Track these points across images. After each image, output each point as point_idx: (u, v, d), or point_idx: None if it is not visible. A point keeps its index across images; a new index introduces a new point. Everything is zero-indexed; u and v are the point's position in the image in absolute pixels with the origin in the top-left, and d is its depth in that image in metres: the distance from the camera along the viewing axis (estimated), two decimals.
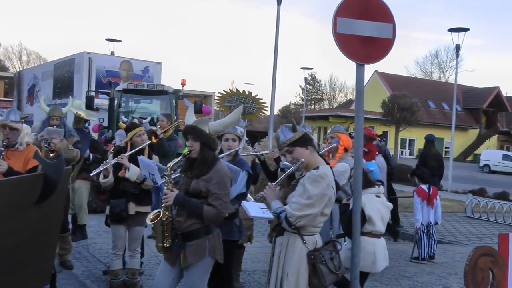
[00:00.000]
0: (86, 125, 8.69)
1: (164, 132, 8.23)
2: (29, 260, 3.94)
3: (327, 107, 67.82)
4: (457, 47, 20.15)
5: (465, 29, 19.61)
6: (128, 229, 5.35)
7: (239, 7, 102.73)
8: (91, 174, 5.35)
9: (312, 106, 70.88)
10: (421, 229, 7.66)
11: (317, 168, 3.55)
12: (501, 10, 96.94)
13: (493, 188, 19.03)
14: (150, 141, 5.59)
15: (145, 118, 9.67)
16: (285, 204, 3.56)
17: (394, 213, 10.25)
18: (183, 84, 16.71)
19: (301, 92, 57.18)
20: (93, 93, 14.30)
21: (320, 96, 71.51)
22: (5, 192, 3.53)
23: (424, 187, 7.71)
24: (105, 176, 5.16)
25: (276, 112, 55.46)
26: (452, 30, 19.90)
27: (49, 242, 4.15)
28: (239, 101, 21.23)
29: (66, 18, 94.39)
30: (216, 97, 24.10)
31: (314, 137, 8.33)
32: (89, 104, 13.35)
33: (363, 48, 3.99)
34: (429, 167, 10.41)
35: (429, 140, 10.98)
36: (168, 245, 3.95)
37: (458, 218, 12.28)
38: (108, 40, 26.91)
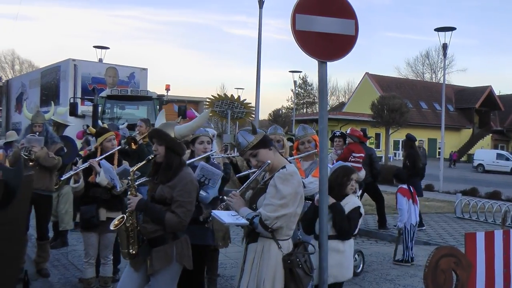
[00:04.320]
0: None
1: (143, 137, 8.13)
2: None
3: None
4: (444, 47, 20.13)
5: (451, 28, 19.61)
6: (100, 236, 5.24)
7: (232, 11, 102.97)
8: (61, 179, 5.26)
9: (304, 110, 70.92)
10: (407, 229, 7.54)
11: (284, 167, 3.44)
12: (493, 10, 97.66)
13: (486, 187, 18.99)
14: (119, 147, 5.50)
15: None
16: (252, 209, 3.46)
17: (381, 214, 10.21)
18: (167, 89, 16.74)
19: (292, 96, 57.13)
20: (77, 100, 14.24)
21: (312, 99, 71.47)
22: None
23: (404, 186, 7.63)
24: (76, 181, 5.07)
25: (266, 116, 55.71)
26: (438, 29, 19.89)
27: (12, 251, 4.07)
28: (228, 105, 21.27)
29: (57, 27, 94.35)
30: (205, 103, 24.04)
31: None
32: (73, 111, 13.35)
33: (325, 45, 3.90)
34: (418, 167, 10.37)
35: (412, 139, 10.91)
36: (134, 252, 3.84)
37: (447, 219, 12.18)
38: (95, 47, 26.80)
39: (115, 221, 3.83)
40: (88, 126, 6.08)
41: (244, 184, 3.59)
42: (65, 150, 6.47)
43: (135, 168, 3.89)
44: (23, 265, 6.10)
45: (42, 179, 6.00)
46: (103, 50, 26.95)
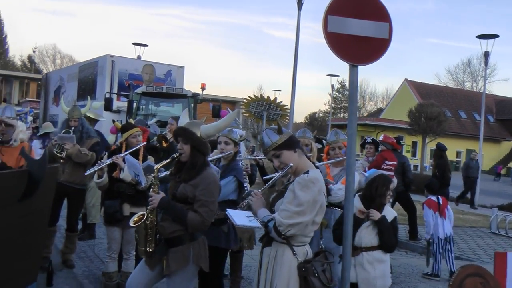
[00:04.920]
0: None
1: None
2: (12, 258, 3.88)
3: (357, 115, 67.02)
4: (486, 55, 19.56)
5: (494, 36, 19.02)
6: (123, 230, 5.25)
7: (273, 13, 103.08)
8: (85, 174, 5.29)
9: (342, 115, 70.27)
10: (435, 242, 7.31)
11: (307, 172, 3.30)
12: None
13: None
14: (145, 143, 5.48)
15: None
16: (272, 212, 3.34)
17: (412, 225, 9.95)
18: (202, 88, 16.73)
19: (330, 100, 56.65)
20: (113, 96, 14.40)
21: None
22: None
23: (433, 198, 7.40)
24: (100, 176, 5.09)
25: (303, 119, 55.36)
26: (481, 36, 19.31)
27: (34, 241, 4.10)
28: (263, 107, 21.22)
29: (98, 23, 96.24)
30: (242, 103, 24.14)
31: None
32: (108, 106, 13.51)
33: (357, 48, 3.78)
34: (446, 178, 10.08)
35: (443, 149, 10.59)
36: (151, 250, 3.81)
37: (481, 234, 11.75)
38: (134, 44, 27.19)
39: (135, 218, 3.81)
40: (114, 121, 6.08)
41: (266, 185, 3.50)
42: (100, 145, 6.52)
43: (159, 165, 3.86)
44: (49, 254, 6.19)
45: (75, 173, 6.04)
46: (142, 47, 27.35)
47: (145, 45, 27.53)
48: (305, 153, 3.52)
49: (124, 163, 5.02)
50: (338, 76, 41.90)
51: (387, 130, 36.74)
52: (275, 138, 3.37)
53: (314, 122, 47.74)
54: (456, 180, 16.85)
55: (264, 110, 20.55)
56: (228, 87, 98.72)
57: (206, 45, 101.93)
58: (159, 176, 3.90)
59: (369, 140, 7.85)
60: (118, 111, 15.21)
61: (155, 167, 3.87)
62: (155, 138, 7.52)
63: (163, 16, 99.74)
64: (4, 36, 63.01)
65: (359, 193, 4.63)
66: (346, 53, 3.80)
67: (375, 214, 4.33)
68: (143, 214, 3.79)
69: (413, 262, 8.49)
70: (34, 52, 64.49)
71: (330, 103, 56.35)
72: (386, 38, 3.86)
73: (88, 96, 11.13)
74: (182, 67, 19.58)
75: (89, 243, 7.82)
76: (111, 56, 17.62)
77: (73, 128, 6.26)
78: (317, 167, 3.53)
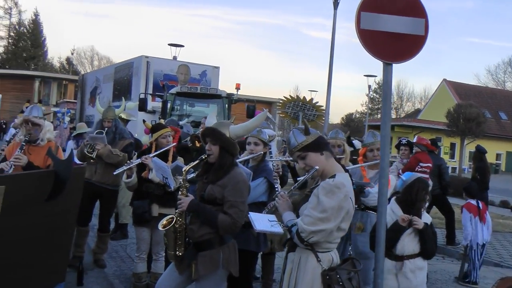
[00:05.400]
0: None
1: None
2: (40, 257, 3.91)
3: (394, 116, 66.04)
4: None
5: None
6: (152, 231, 5.22)
7: (311, 13, 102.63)
8: (114, 173, 5.28)
9: (379, 116, 69.24)
10: (474, 248, 7.03)
11: (333, 176, 3.14)
12: None
13: None
14: (175, 143, 5.44)
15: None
16: (298, 215, 3.20)
17: (450, 229, 9.63)
18: (237, 88, 16.72)
19: (367, 101, 55.89)
20: (148, 96, 14.48)
21: None
22: (16, 187, 3.51)
23: (473, 202, 7.11)
24: (128, 176, 5.07)
25: (339, 120, 54.69)
26: None
27: (62, 241, 4.12)
28: (299, 107, 21.07)
29: (135, 24, 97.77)
30: (278, 104, 23.99)
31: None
32: (142, 106, 13.60)
33: (391, 46, 3.60)
34: (487, 182, 9.72)
35: (482, 151, 10.22)
36: (180, 254, 3.72)
37: None
38: (170, 45, 27.36)
39: (164, 221, 3.71)
40: (144, 121, 6.06)
41: (292, 187, 3.37)
42: (133, 146, 6.51)
43: (187, 167, 3.77)
44: (82, 254, 6.24)
45: (108, 174, 6.01)
46: (178, 48, 27.50)
47: (181, 46, 27.63)
48: (334, 155, 3.35)
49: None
50: (375, 76, 41.27)
51: (424, 132, 36.01)
52: (301, 138, 3.22)
53: (351, 123, 47.14)
54: (496, 183, 16.32)
55: (300, 110, 20.39)
56: (264, 87, 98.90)
57: (243, 46, 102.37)
58: (188, 177, 3.82)
59: (403, 141, 7.63)
60: (153, 112, 15.30)
61: (183, 169, 3.79)
62: (188, 138, 7.51)
63: (200, 17, 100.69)
64: (43, 39, 64.78)
65: (395, 197, 4.46)
66: (380, 51, 3.63)
67: (419, 223, 4.18)
68: (172, 218, 3.70)
69: (450, 268, 8.19)
70: (72, 54, 66.09)
71: (367, 103, 55.59)
72: (422, 34, 3.66)
73: (123, 97, 11.24)
74: (217, 67, 19.57)
75: (121, 243, 7.84)
76: (146, 56, 17.76)
77: (106, 128, 6.26)
78: (346, 170, 3.36)
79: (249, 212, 3.38)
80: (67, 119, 24.37)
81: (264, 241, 4.73)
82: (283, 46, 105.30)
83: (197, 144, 7.15)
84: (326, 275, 3.06)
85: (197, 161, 3.79)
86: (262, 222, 3.22)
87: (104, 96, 21.00)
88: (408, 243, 4.20)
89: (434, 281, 7.17)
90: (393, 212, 4.26)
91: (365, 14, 3.53)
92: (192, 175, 4.07)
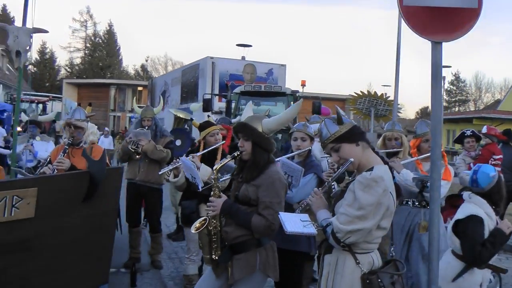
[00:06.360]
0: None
1: None
2: (81, 259, 3.88)
3: (472, 108, 62.73)
4: None
5: None
6: None
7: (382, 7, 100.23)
8: (159, 173, 5.20)
9: (457, 108, 66.14)
10: None
11: (371, 169, 2.82)
12: None
13: None
14: (223, 142, 5.27)
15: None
16: (334, 214, 2.92)
17: None
18: (303, 85, 16.42)
19: (444, 93, 53.53)
20: (209, 96, 14.50)
21: (465, 97, 66.38)
22: (50, 188, 3.49)
23: None
24: (176, 176, 4.96)
25: (414, 115, 52.69)
26: None
27: (103, 242, 4.07)
28: (371, 103, 20.41)
29: (203, 28, 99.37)
30: (350, 100, 23.39)
31: None
32: (206, 107, 13.63)
33: (438, 23, 3.18)
34: None
35: None
36: (216, 257, 3.53)
37: None
38: (238, 45, 27.50)
39: (197, 224, 3.54)
40: (192, 120, 5.96)
41: (326, 183, 3.08)
42: (176, 143, 6.48)
43: (218, 166, 3.55)
44: (137, 255, 6.27)
45: (151, 172, 6.04)
46: (246, 48, 27.55)
47: (249, 46, 27.71)
48: (371, 146, 3.00)
49: (202, 162, 4.85)
50: (450, 67, 39.32)
51: (505, 123, 33.75)
52: (334, 129, 2.91)
53: (426, 116, 45.21)
54: None
55: (372, 106, 19.75)
56: (335, 84, 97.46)
57: (309, 42, 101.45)
58: (222, 179, 3.61)
59: (468, 133, 6.98)
60: (220, 112, 15.30)
61: (214, 168, 3.59)
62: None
63: (268, 15, 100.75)
64: (117, 48, 67.54)
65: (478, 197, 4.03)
66: (426, 29, 3.22)
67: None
68: (205, 220, 3.52)
69: None
70: (146, 61, 68.26)
71: (445, 96, 53.20)
72: (475, 7, 3.20)
73: (191, 100, 11.23)
74: (283, 65, 19.35)
75: (182, 244, 7.81)
76: (211, 57, 17.86)
77: (146, 127, 6.30)
78: (386, 162, 3.01)
79: (279, 212, 3.12)
80: None
81: (315, 241, 4.46)
82: (352, 41, 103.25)
83: None
84: (366, 279, 2.75)
85: (228, 159, 3.57)
86: (293, 222, 2.95)
87: (173, 99, 21.37)
88: None
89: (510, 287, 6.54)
90: (489, 217, 3.86)
91: None
92: (228, 176, 3.87)
